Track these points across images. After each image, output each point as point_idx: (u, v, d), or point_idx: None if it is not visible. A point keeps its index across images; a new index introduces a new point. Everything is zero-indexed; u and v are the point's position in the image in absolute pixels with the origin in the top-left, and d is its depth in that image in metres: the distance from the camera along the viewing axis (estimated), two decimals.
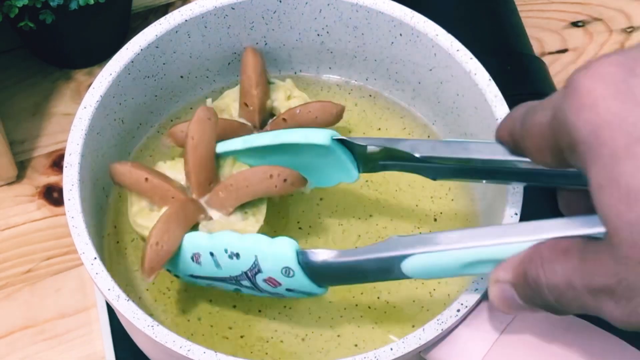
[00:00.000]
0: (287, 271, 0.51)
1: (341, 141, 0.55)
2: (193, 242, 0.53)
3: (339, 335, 0.58)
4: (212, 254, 0.53)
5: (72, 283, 0.71)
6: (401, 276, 0.48)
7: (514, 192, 0.56)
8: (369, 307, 0.59)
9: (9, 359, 0.68)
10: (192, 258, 0.53)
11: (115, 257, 0.60)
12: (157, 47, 0.61)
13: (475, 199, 0.62)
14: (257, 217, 0.56)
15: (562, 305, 0.41)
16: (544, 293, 0.42)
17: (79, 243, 0.53)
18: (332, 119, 0.61)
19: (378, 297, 0.59)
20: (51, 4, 0.70)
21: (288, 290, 0.53)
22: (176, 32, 0.61)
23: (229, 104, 0.62)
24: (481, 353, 0.52)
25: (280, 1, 0.63)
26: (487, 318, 0.53)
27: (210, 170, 0.56)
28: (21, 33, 0.74)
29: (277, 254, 0.51)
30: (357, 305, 0.59)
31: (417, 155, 0.52)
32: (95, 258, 0.53)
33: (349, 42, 0.64)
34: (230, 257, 0.52)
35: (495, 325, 0.53)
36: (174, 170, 0.57)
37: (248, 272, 0.52)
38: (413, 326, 0.58)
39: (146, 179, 0.56)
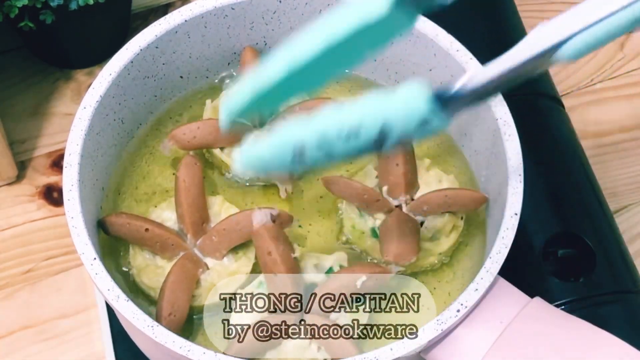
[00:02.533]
0: (424, 122, 0.43)
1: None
2: (291, 135, 0.44)
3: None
4: (321, 143, 0.43)
5: (72, 283, 0.71)
6: (555, 62, 0.43)
7: (514, 192, 0.56)
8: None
9: (9, 359, 0.68)
10: (293, 158, 0.44)
11: (115, 257, 0.60)
12: (156, 47, 0.61)
13: None
14: (249, 256, 0.58)
15: None
16: None
17: (78, 243, 0.53)
18: None
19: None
20: (51, 4, 0.70)
21: (416, 139, 0.45)
22: (176, 32, 0.61)
23: None
24: (481, 353, 0.52)
25: (280, 1, 0.63)
26: (487, 318, 0.53)
27: (202, 210, 0.58)
28: (21, 33, 0.74)
29: (409, 112, 0.43)
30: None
31: None
32: (95, 258, 0.53)
33: None
34: (348, 138, 0.43)
35: (495, 326, 0.53)
36: (169, 210, 0.59)
37: (370, 147, 0.44)
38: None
39: (147, 230, 0.56)
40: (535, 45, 0.42)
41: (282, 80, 0.44)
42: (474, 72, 0.43)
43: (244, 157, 0.45)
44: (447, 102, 0.43)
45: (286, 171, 0.47)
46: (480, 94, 0.44)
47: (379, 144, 0.43)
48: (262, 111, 0.50)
